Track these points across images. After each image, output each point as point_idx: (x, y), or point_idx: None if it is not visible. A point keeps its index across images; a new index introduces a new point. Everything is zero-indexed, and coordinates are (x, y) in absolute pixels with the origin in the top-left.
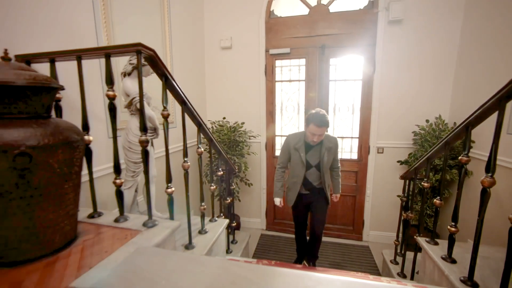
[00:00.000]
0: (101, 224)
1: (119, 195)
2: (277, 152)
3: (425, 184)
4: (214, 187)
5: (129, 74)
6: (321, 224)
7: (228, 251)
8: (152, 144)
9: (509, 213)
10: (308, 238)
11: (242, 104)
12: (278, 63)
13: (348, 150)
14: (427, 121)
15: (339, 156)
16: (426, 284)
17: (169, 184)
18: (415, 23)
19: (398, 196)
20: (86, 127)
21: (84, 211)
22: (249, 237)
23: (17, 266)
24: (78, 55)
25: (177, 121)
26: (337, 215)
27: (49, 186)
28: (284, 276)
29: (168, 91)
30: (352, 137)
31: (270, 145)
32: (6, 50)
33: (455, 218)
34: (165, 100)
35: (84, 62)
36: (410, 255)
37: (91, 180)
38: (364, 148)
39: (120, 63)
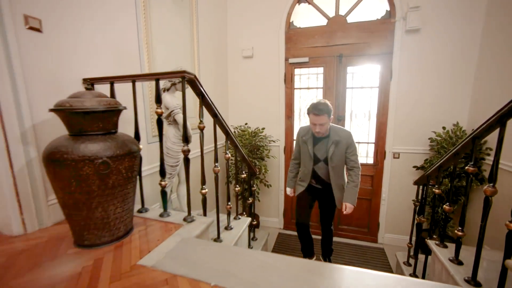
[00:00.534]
0: (148, 218)
1: (164, 194)
2: None
3: (436, 191)
4: (239, 188)
5: (168, 89)
6: (327, 220)
7: (249, 247)
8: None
9: None
10: (312, 236)
11: (263, 110)
12: (297, 71)
13: (364, 155)
14: (444, 128)
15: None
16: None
17: (203, 186)
18: (433, 32)
19: (413, 200)
20: (137, 137)
21: None
22: (267, 235)
23: (95, 247)
24: (133, 79)
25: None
26: (353, 217)
27: (118, 187)
28: (304, 263)
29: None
30: (368, 142)
31: (288, 149)
32: (88, 80)
33: (462, 223)
34: (201, 114)
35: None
36: (422, 257)
37: (140, 181)
38: (380, 153)
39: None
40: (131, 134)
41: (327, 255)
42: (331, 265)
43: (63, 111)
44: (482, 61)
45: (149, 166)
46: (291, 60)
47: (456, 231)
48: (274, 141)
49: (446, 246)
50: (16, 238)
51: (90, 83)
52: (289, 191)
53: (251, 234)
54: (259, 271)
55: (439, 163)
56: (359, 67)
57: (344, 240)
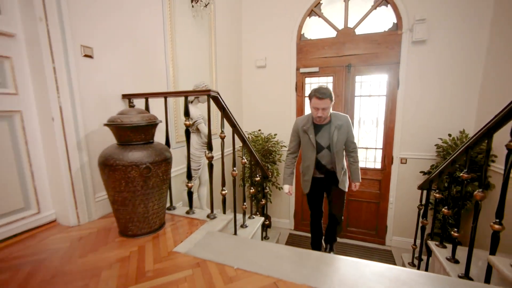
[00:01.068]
0: (176, 214)
1: (190, 195)
2: None
3: (437, 195)
4: (253, 190)
5: (191, 102)
6: (338, 209)
7: None
8: (206, 154)
9: None
10: (323, 228)
11: (275, 117)
12: (307, 80)
13: (372, 160)
14: (450, 135)
15: (356, 140)
16: None
17: (223, 188)
18: (439, 43)
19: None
20: (168, 144)
21: None
22: (279, 235)
23: (137, 237)
24: (165, 95)
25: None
26: (361, 219)
27: (156, 187)
28: (313, 253)
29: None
30: (376, 148)
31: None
32: (127, 95)
33: (457, 225)
34: (222, 125)
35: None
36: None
37: (169, 183)
38: (387, 158)
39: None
40: (159, 139)
41: (330, 241)
42: (336, 256)
43: (115, 125)
44: (488, 69)
45: (173, 169)
46: (302, 70)
47: (452, 232)
48: (285, 146)
49: (445, 247)
50: (72, 228)
51: (128, 98)
52: (286, 188)
53: (264, 233)
54: (274, 259)
55: (439, 170)
56: (367, 76)
57: (352, 242)
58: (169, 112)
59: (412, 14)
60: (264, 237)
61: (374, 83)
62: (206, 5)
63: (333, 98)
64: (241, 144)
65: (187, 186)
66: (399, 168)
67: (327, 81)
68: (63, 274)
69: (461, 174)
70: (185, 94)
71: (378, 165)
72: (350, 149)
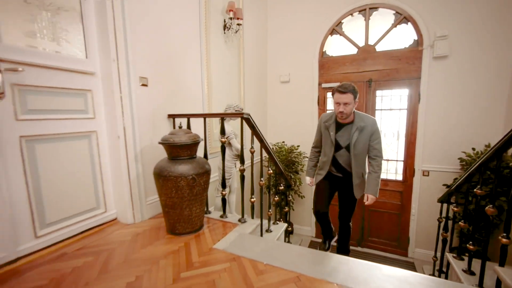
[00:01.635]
0: (211, 218)
1: (224, 201)
2: None
3: (455, 209)
4: (277, 198)
5: (224, 119)
6: (345, 214)
7: None
8: (235, 165)
9: None
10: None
11: (298, 129)
12: (329, 94)
13: (393, 172)
14: (473, 149)
15: (383, 146)
16: None
17: (252, 195)
18: (462, 58)
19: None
20: (206, 157)
21: None
22: (300, 241)
23: (182, 235)
24: (205, 116)
25: (246, 141)
26: (382, 230)
27: (199, 194)
28: (329, 254)
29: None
30: (397, 160)
31: None
32: (174, 118)
33: (472, 238)
34: (252, 141)
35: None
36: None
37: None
38: (409, 170)
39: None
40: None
41: (344, 252)
42: (352, 258)
43: (168, 144)
44: None
45: None
46: (324, 85)
47: (468, 245)
48: (307, 157)
49: (462, 259)
50: (130, 226)
51: (173, 117)
52: (308, 180)
53: (286, 239)
54: (296, 258)
55: (456, 184)
56: (388, 91)
57: (373, 252)
58: (203, 126)
59: (433, 31)
60: (287, 242)
61: (395, 97)
62: (236, 31)
63: (357, 95)
64: (267, 155)
65: (221, 194)
66: (422, 181)
67: None
68: (131, 260)
69: (475, 190)
70: (222, 115)
71: (400, 177)
72: (372, 155)
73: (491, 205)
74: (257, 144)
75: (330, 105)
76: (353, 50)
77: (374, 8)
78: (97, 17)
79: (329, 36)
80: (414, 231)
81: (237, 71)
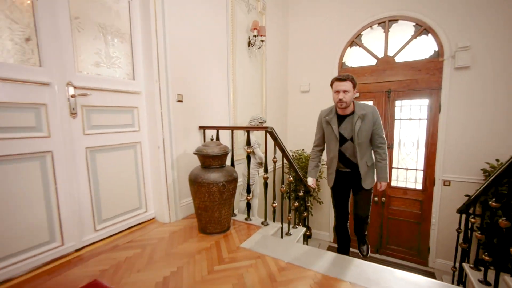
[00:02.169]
0: (237, 220)
1: (248, 206)
2: None
3: (472, 220)
4: (297, 203)
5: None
6: (363, 209)
7: None
8: (258, 172)
9: None
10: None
11: None
12: None
13: (412, 181)
14: (497, 160)
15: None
16: None
17: (274, 201)
18: (485, 68)
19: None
20: (233, 165)
21: None
22: (318, 246)
23: (212, 234)
24: (232, 129)
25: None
26: (401, 238)
27: (227, 199)
28: (345, 257)
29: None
30: (416, 169)
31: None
32: (205, 129)
33: (488, 249)
34: (274, 151)
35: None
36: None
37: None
38: (429, 180)
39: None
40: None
41: (362, 247)
42: (362, 261)
43: (202, 154)
44: None
45: None
46: None
47: (483, 256)
48: (325, 165)
49: (479, 270)
50: (167, 225)
51: (204, 129)
52: (310, 181)
53: (305, 243)
54: (314, 258)
55: (474, 196)
56: (407, 101)
57: (391, 259)
58: (228, 135)
59: (454, 42)
60: None
61: (415, 107)
62: (260, 47)
63: (356, 84)
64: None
65: (246, 198)
66: (442, 190)
67: None
68: (171, 254)
69: (490, 202)
70: (248, 128)
71: (419, 186)
72: (377, 143)
73: (504, 218)
74: (278, 153)
75: None
76: (372, 61)
77: (393, 20)
78: (143, 44)
79: (348, 47)
80: (435, 241)
81: (259, 83)
